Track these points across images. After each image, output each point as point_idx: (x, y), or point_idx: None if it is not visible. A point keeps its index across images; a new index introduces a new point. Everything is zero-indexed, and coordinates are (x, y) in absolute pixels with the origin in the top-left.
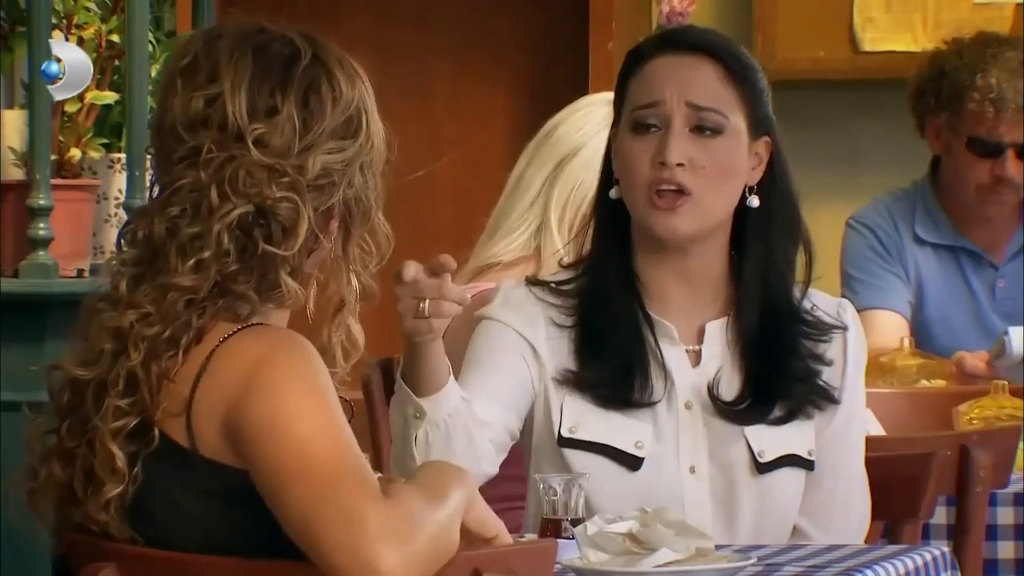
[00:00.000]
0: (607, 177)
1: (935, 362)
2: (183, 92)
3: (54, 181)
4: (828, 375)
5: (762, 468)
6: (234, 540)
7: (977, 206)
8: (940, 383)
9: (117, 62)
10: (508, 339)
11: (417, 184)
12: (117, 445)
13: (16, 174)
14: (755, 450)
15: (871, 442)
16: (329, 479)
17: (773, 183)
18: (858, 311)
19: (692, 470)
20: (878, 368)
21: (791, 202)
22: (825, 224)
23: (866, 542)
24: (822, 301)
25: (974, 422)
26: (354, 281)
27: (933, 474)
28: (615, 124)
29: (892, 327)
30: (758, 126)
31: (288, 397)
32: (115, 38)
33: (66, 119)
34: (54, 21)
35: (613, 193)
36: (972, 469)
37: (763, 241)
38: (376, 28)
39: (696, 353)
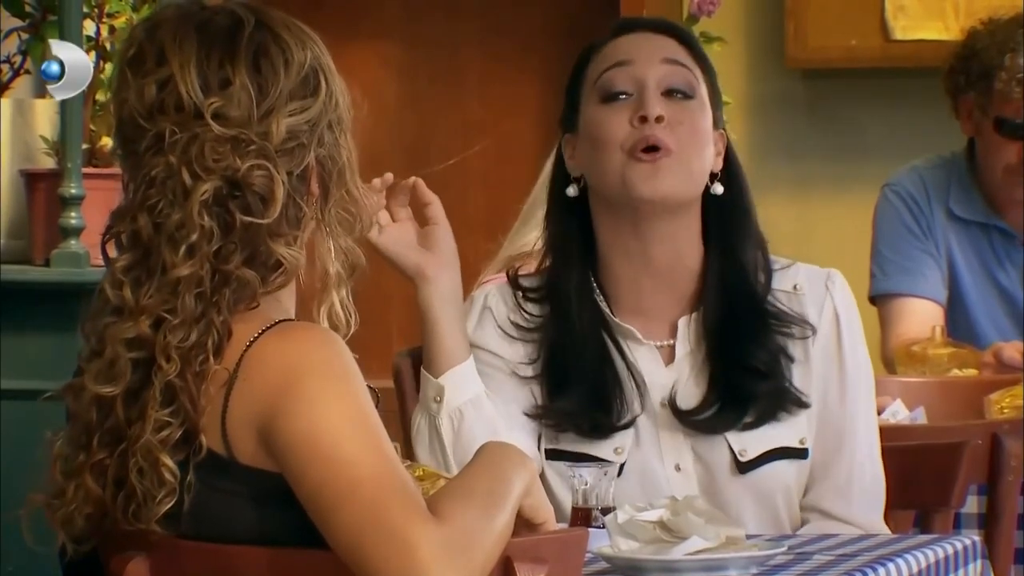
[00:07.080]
0: (560, 179)
1: (966, 351)
2: (134, 82)
3: (85, 170)
4: (824, 356)
5: (744, 467)
6: (265, 540)
7: (1007, 188)
8: (971, 372)
9: None
10: (495, 365)
11: (448, 172)
12: (166, 456)
13: (48, 163)
14: (736, 449)
15: (903, 431)
16: (376, 498)
17: (729, 180)
18: (889, 295)
19: (678, 468)
20: (909, 357)
21: (747, 200)
22: (856, 214)
23: (897, 531)
24: (807, 276)
25: (1005, 411)
26: (336, 248)
27: (964, 463)
28: (563, 126)
29: (924, 315)
30: (715, 118)
31: (327, 413)
32: None
33: (97, 108)
34: (85, 10)
35: (571, 191)
36: (1003, 458)
37: (724, 235)
38: (407, 16)
39: (669, 349)
